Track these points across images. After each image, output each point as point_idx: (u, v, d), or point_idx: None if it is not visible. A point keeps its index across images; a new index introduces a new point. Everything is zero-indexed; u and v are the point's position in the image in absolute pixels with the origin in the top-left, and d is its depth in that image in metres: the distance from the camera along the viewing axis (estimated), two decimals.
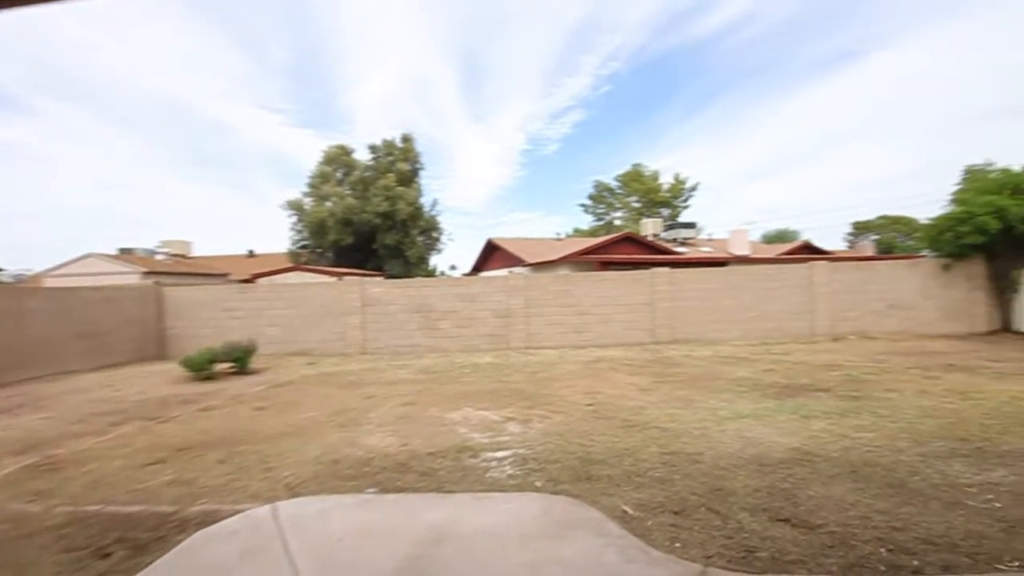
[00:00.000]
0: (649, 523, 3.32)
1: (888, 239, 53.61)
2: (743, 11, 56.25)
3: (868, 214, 56.78)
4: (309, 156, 72.12)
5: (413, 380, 9.20)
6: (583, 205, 54.56)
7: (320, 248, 33.73)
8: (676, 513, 3.45)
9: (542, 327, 12.84)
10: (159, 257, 28.69)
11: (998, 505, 3.39)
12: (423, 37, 60.48)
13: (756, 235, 48.91)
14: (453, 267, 47.34)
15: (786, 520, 3.29)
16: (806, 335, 12.85)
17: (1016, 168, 12.29)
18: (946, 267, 12.93)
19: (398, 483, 4.20)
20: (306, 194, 34.74)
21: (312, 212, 32.90)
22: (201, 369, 9.81)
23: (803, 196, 75.40)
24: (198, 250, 32.30)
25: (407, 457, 4.86)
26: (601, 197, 53.32)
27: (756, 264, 16.43)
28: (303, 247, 34.88)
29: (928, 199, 74.10)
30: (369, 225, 31.38)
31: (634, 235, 24.23)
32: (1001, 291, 12.66)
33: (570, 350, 12.35)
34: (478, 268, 31.18)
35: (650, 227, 29.06)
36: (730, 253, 25.31)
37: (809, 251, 27.01)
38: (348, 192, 33.42)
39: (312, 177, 34.51)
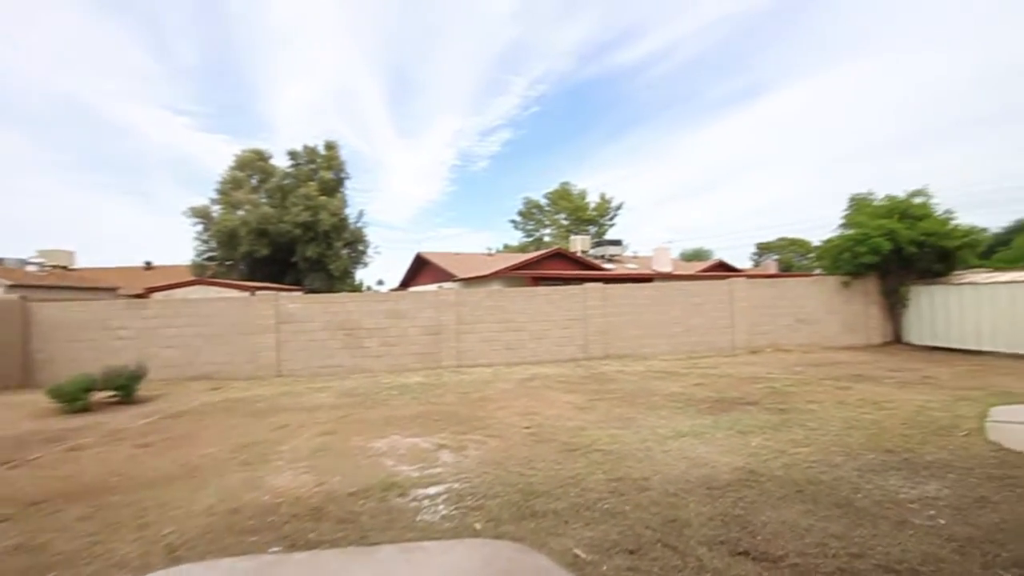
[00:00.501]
0: (604, 568, 2.95)
1: (787, 259, 58.80)
2: (658, 49, 60.58)
3: (770, 236, 61.93)
4: (220, 163, 67.19)
5: (334, 405, 8.35)
6: (513, 221, 55.07)
7: (230, 260, 31.07)
8: (632, 553, 3.12)
9: (474, 344, 12.37)
10: (31, 268, 24.96)
11: (942, 522, 3.37)
12: (348, 48, 58.84)
13: (674, 253, 51.70)
14: (381, 282, 45.66)
15: (746, 553, 3.06)
16: (728, 348, 13.38)
17: (901, 196, 13.67)
18: (846, 284, 14.05)
19: (311, 535, 3.55)
20: (215, 201, 31.96)
21: (221, 220, 30.26)
22: (74, 399, 8.32)
23: (714, 217, 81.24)
24: (85, 261, 28.50)
25: (323, 499, 4.18)
26: (530, 214, 54.06)
27: (679, 280, 17.05)
28: (210, 259, 31.97)
29: (816, 223, 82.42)
30: (288, 236, 29.33)
31: (564, 251, 24.50)
32: (892, 306, 13.95)
33: (504, 367, 11.96)
34: (407, 283, 30.15)
35: (579, 243, 29.63)
36: (654, 270, 26.33)
37: (723, 269, 28.75)
38: (264, 200, 31.16)
39: (222, 183, 31.84)
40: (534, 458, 5.09)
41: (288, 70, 58.78)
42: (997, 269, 14.75)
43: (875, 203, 14.40)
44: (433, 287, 16.52)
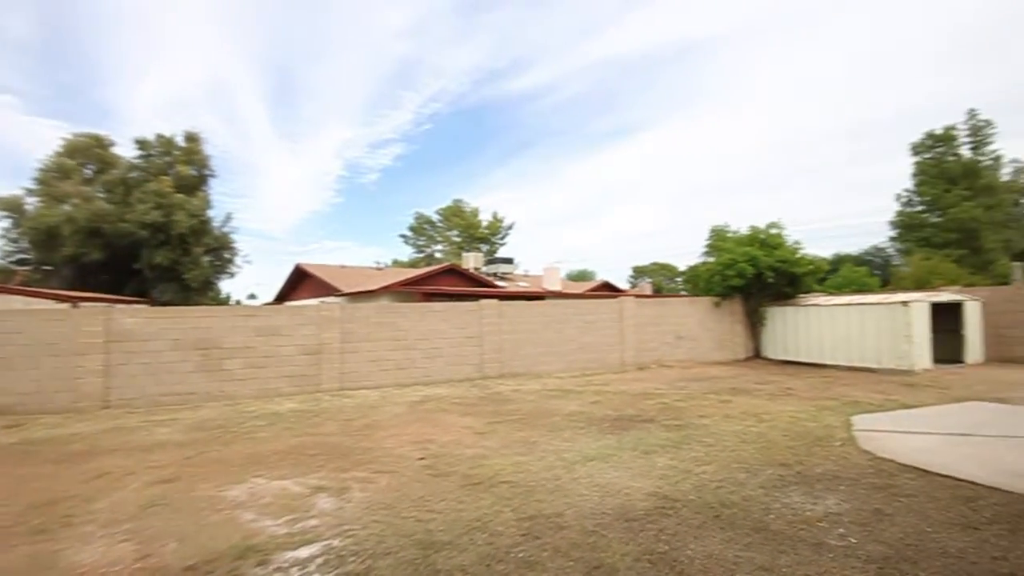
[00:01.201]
0: None
1: (658, 281, 64.43)
2: (546, 81, 63.98)
3: (643, 260, 67.42)
4: (47, 150, 56.50)
5: (180, 442, 6.81)
6: (403, 236, 53.40)
7: (49, 265, 25.67)
8: None
9: (361, 364, 11.22)
10: None
11: (854, 541, 3.34)
12: (224, 38, 53.47)
13: (561, 273, 53.85)
14: (253, 296, 41.14)
15: None
16: (617, 365, 13.76)
17: (760, 226, 15.38)
18: (717, 304, 15.33)
19: None
20: (31, 192, 26.33)
21: (38, 215, 24.89)
22: None
23: (595, 241, 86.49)
24: None
25: None
26: (422, 229, 52.88)
27: (571, 299, 17.39)
28: (18, 262, 26.15)
29: (681, 250, 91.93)
30: (130, 238, 24.73)
31: (458, 267, 23.98)
32: (753, 325, 15.49)
33: (394, 389, 10.97)
34: (284, 297, 27.32)
35: (472, 260, 29.32)
36: (544, 288, 26.85)
37: (609, 289, 30.31)
38: (101, 194, 26.32)
39: (43, 171, 26.36)
40: (432, 497, 4.39)
41: (146, 54, 51.54)
42: (830, 294, 17.18)
43: (739, 233, 15.97)
44: (314, 302, 14.89)
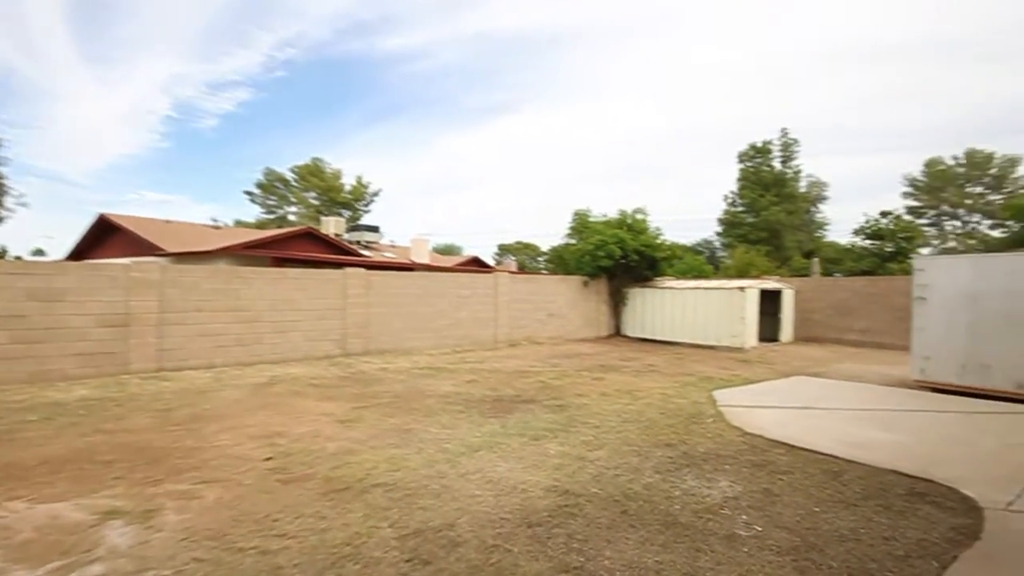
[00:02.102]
0: None
1: (522, 260, 66.57)
2: (419, 45, 60.81)
3: (508, 238, 68.92)
4: None
5: None
6: (250, 194, 46.91)
7: None
8: None
9: (188, 339, 9.16)
10: None
11: (760, 529, 3.23)
12: None
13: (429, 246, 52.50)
14: (40, 252, 32.77)
15: None
16: (490, 342, 13.44)
17: (628, 210, 16.21)
18: (585, 283, 15.85)
19: None
20: None
21: None
22: None
23: (462, 216, 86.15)
24: None
25: None
26: (273, 188, 47.02)
27: (444, 272, 16.62)
28: None
29: (543, 231, 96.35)
30: None
31: (316, 232, 21.53)
32: (616, 304, 16.37)
33: (233, 370, 9.17)
34: (82, 255, 21.98)
35: (333, 226, 26.64)
36: (412, 260, 25.59)
37: (478, 265, 30.07)
38: None
39: None
40: (282, 514, 3.40)
41: None
42: (677, 278, 18.90)
43: (607, 217, 16.57)
44: (126, 261, 11.81)
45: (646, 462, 4.53)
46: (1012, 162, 42.48)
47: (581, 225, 19.17)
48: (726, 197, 42.91)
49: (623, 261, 15.05)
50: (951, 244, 44.95)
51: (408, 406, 6.68)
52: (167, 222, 22.07)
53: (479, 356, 11.68)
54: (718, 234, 44.81)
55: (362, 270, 11.61)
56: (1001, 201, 41.91)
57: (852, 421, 5.92)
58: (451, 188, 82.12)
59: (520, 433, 5.42)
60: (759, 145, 41.68)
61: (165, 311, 9.00)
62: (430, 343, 12.30)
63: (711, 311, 13.85)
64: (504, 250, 69.99)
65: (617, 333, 16.44)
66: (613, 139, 73.75)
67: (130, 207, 64.71)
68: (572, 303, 15.55)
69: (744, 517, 3.41)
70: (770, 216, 38.69)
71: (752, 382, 8.65)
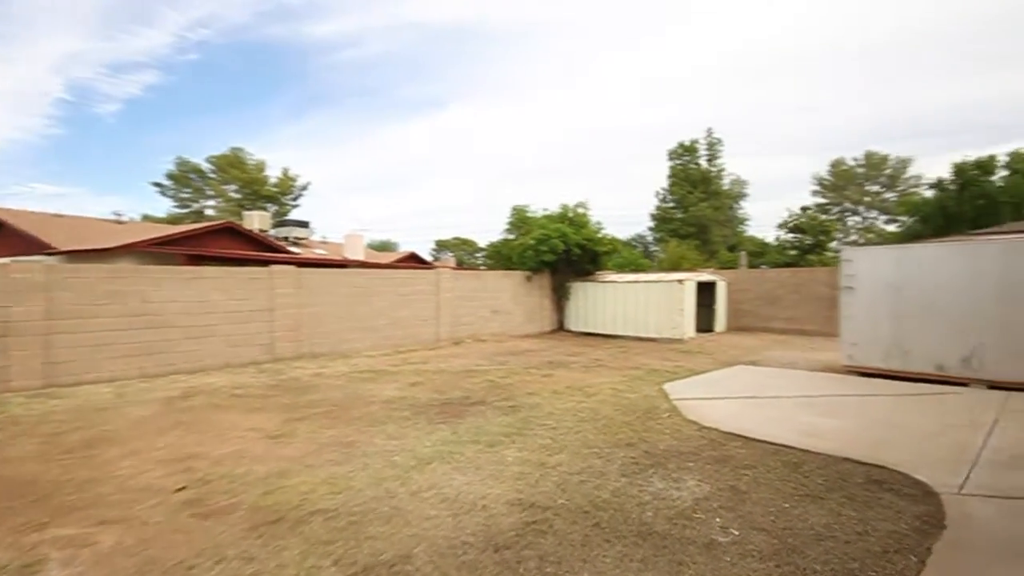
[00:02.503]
0: None
1: (459, 256, 65.83)
2: (350, 33, 58.22)
3: (446, 234, 67.96)
4: None
5: None
6: (159, 185, 42.81)
7: None
8: None
9: (83, 350, 7.96)
10: None
11: (737, 533, 3.08)
12: None
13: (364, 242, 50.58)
14: None
15: None
16: (432, 341, 12.91)
17: (570, 205, 16.17)
18: (528, 279, 15.67)
19: None
20: None
21: None
22: None
23: (396, 212, 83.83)
24: None
25: None
26: (187, 179, 43.22)
27: (381, 269, 15.84)
28: None
29: (479, 227, 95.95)
30: None
31: (238, 227, 19.83)
32: (559, 299, 16.34)
33: (139, 382, 8.08)
34: None
35: (257, 220, 24.76)
36: (345, 257, 24.34)
37: (416, 261, 29.18)
38: None
39: None
40: (199, 559, 2.84)
41: None
42: (617, 272, 19.21)
43: (548, 211, 16.43)
44: (5, 261, 9.98)
45: (610, 464, 4.32)
46: (904, 163, 47.21)
47: (520, 220, 19.05)
48: (657, 193, 44.58)
49: (566, 255, 15.01)
50: (853, 238, 49.39)
51: (348, 415, 6.11)
52: (58, 216, 19.52)
53: (422, 356, 11.15)
54: (650, 229, 46.47)
55: (292, 267, 10.70)
56: (895, 198, 46.62)
57: (797, 408, 6.07)
58: (386, 183, 79.75)
59: (474, 440, 5.06)
60: (687, 144, 43.56)
61: (54, 318, 7.76)
62: (369, 344, 11.60)
63: (652, 304, 14.12)
64: (441, 246, 68.88)
65: (560, 328, 16.42)
66: (548, 135, 74.56)
67: (19, 201, 57.25)
68: (516, 299, 15.33)
69: (719, 520, 3.25)
70: (698, 212, 40.59)
71: (697, 373, 8.79)
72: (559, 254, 14.80)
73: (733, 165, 55.21)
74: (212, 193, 43.54)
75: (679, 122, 70.52)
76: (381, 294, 11.96)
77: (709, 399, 6.57)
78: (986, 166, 28.19)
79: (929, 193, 30.85)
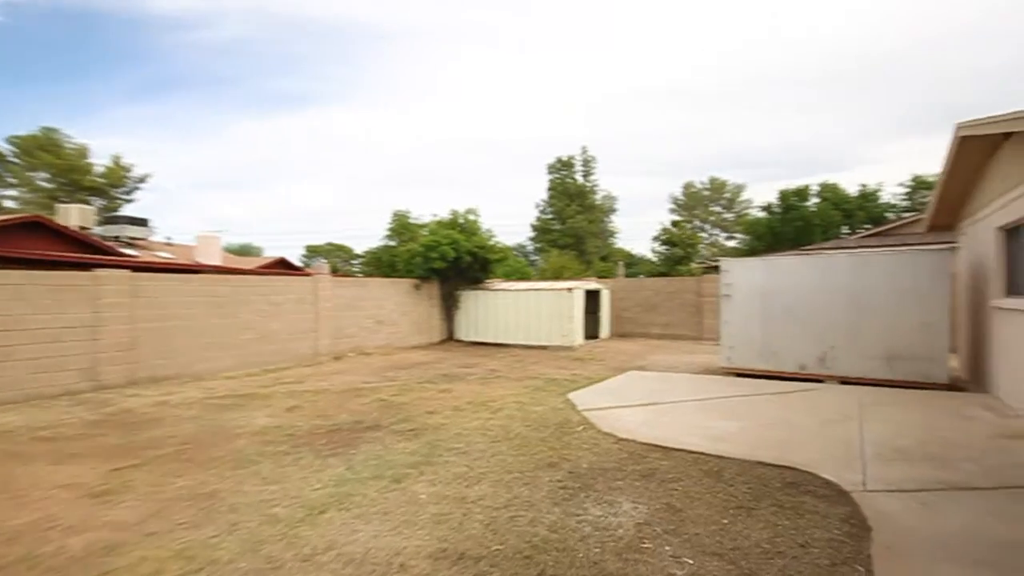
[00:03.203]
0: None
1: (333, 263, 61.73)
2: (201, 10, 51.79)
3: (318, 239, 63.26)
4: None
5: None
6: None
7: None
8: None
9: None
10: None
11: (691, 562, 2.83)
12: None
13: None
14: None
15: None
16: (310, 356, 11.49)
17: (460, 211, 15.70)
18: (417, 287, 14.85)
19: None
20: None
21: None
22: None
23: (258, 214, 76.22)
24: None
25: None
26: None
27: (246, 275, 13.83)
28: None
29: (354, 233, 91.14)
30: None
31: (49, 222, 16.03)
32: (449, 308, 15.73)
33: None
34: None
35: (76, 215, 20.33)
36: (198, 262, 21.09)
37: (286, 267, 26.42)
38: None
39: None
40: None
41: None
42: (505, 280, 19.20)
43: (439, 217, 15.82)
44: None
45: (537, 491, 3.90)
46: (739, 188, 54.72)
47: (402, 226, 18.25)
48: (538, 205, 46.22)
49: (456, 263, 14.50)
50: (704, 252, 56.14)
51: (206, 455, 4.92)
52: None
53: (298, 374, 9.80)
54: (531, 239, 47.93)
55: (124, 272, 8.71)
56: (732, 218, 53.92)
57: (698, 412, 6.26)
58: (246, 182, 72.13)
59: (375, 475, 4.30)
60: (564, 159, 45.85)
61: None
62: (231, 363, 9.91)
63: (543, 312, 14.20)
64: (313, 252, 63.92)
65: (450, 338, 15.82)
66: (426, 143, 73.61)
67: None
68: (403, 308, 14.41)
69: (668, 548, 2.99)
70: (575, 224, 42.80)
71: (595, 381, 8.82)
72: (449, 261, 14.24)
73: (603, 182, 59.54)
74: (15, 181, 35.33)
75: (554, 138, 74.31)
76: (247, 304, 10.32)
77: (616, 408, 6.52)
78: (802, 194, 33.74)
79: (761, 214, 36.15)
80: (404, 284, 14.63)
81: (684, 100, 68.04)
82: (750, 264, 8.72)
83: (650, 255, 32.10)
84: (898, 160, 62.54)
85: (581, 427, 5.72)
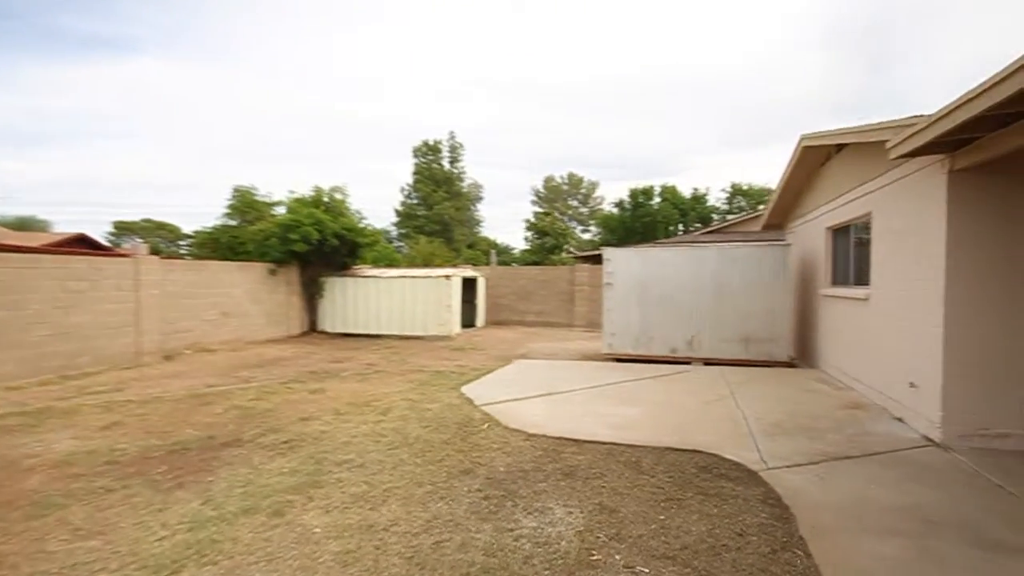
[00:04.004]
0: None
1: (154, 243, 52.39)
2: None
3: (131, 215, 53.10)
4: None
5: None
6: None
7: None
8: None
9: None
10: None
11: (647, 570, 2.61)
12: None
13: None
14: None
15: None
16: (131, 356, 9.25)
17: (325, 188, 14.00)
18: (272, 272, 13.00)
19: None
20: None
21: None
22: None
23: (44, 179, 61.38)
24: None
25: None
26: None
27: (29, 254, 10.68)
28: None
29: (180, 210, 78.56)
30: None
31: None
32: (311, 296, 14.08)
33: None
34: None
35: None
36: None
37: (89, 246, 21.39)
38: None
39: None
40: None
41: None
42: (373, 266, 17.91)
43: (299, 195, 13.98)
44: None
45: (457, 506, 3.41)
46: (593, 185, 58.97)
47: (246, 204, 15.95)
48: (403, 189, 44.52)
49: (320, 246, 12.99)
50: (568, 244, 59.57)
51: None
52: None
53: (115, 380, 7.82)
54: (395, 224, 45.99)
55: None
56: (587, 212, 58.08)
57: (595, 400, 6.29)
58: (28, 139, 57.26)
59: (246, 508, 3.40)
60: (431, 143, 44.75)
61: None
62: (14, 368, 7.49)
63: (419, 300, 13.46)
64: (123, 229, 53.32)
65: (313, 329, 14.22)
66: (273, 114, 66.16)
67: None
68: (255, 296, 12.51)
69: (618, 557, 2.75)
70: (442, 211, 42.11)
71: (484, 372, 8.48)
72: (313, 244, 12.70)
73: (469, 171, 59.64)
74: None
75: (419, 122, 72.22)
76: (35, 291, 7.89)
77: (515, 400, 6.26)
78: (648, 193, 37.47)
79: (614, 210, 39.39)
80: (257, 269, 12.70)
81: (548, 99, 71.01)
82: (630, 254, 9.14)
83: (515, 245, 32.90)
84: (715, 169, 73.16)
85: (485, 424, 5.32)
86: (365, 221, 14.56)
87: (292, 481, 3.86)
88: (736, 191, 39.38)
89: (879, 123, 5.17)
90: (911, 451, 4.32)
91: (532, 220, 32.22)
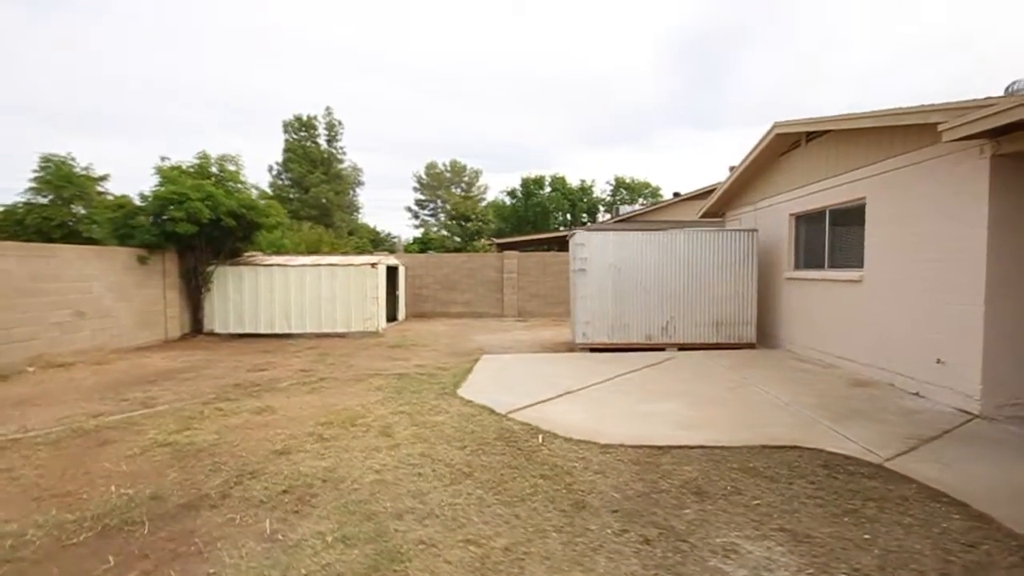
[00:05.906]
0: None
1: None
2: None
3: None
4: None
5: None
6: None
7: None
8: None
9: None
10: None
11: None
12: None
13: None
14: None
15: None
16: None
17: (213, 156, 11.26)
18: (143, 260, 10.17)
19: None
20: None
21: None
22: None
23: None
24: None
25: None
26: None
27: None
28: None
29: None
30: None
31: None
32: (195, 290, 11.36)
33: None
34: None
35: None
36: None
37: None
38: None
39: None
40: None
41: None
42: (265, 253, 15.25)
43: (179, 163, 11.08)
44: None
45: (624, 560, 2.55)
46: (477, 173, 58.50)
47: (62, 178, 12.60)
48: (271, 169, 39.63)
49: (211, 227, 10.49)
50: (444, 233, 58.24)
51: None
52: None
53: None
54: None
55: None
56: (462, 198, 57.53)
57: (622, 397, 5.70)
58: None
59: None
60: (305, 118, 40.38)
61: None
62: None
63: (339, 292, 11.64)
64: None
65: (199, 331, 11.53)
66: (93, 73, 54.33)
67: None
68: (119, 291, 9.70)
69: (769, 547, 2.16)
70: (320, 193, 38.33)
71: (458, 372, 7.37)
72: (203, 224, 10.18)
73: (351, 153, 55.27)
74: None
75: (290, 97, 64.80)
76: None
77: (538, 404, 5.39)
78: (539, 183, 38.12)
79: (507, 199, 39.42)
80: (122, 256, 9.84)
81: (431, 86, 68.55)
82: (603, 238, 8.68)
83: (394, 232, 31.07)
84: (591, 166, 77.66)
85: (537, 437, 4.41)
86: (268, 198, 12.15)
87: (358, 560, 2.62)
88: (620, 184, 41.85)
89: (899, 108, 5.29)
90: (967, 426, 4.46)
91: (452, 205, 30.66)
